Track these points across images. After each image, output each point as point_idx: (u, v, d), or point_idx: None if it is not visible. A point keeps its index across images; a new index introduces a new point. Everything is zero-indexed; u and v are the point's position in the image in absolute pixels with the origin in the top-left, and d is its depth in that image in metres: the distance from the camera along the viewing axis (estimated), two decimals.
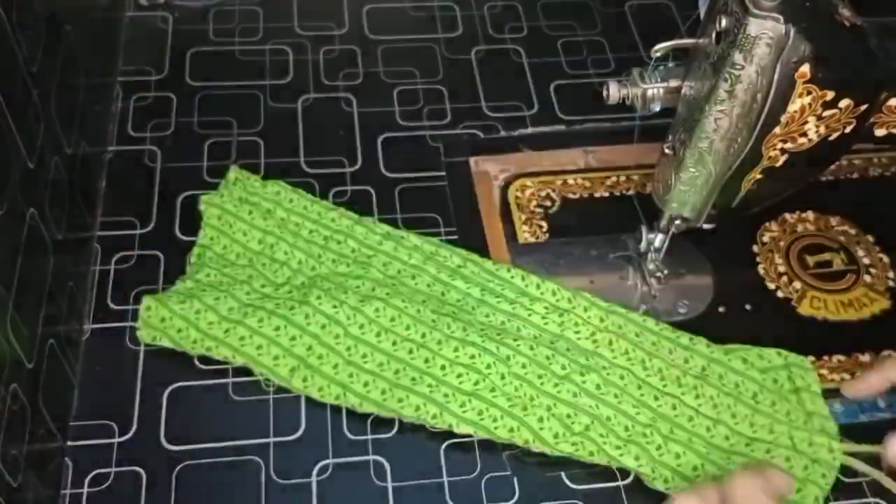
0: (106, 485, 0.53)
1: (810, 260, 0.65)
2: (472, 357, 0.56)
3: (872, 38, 0.50)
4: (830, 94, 0.48)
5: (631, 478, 0.55)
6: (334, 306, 0.57)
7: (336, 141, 0.71)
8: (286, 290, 0.60)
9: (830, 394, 0.58)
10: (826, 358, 0.60)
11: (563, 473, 0.55)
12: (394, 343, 0.57)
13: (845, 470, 0.55)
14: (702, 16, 0.53)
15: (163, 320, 0.57)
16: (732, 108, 0.49)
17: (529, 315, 0.59)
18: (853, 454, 0.54)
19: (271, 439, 0.55)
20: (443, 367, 0.56)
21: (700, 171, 0.54)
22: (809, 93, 0.48)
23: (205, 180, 0.67)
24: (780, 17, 0.45)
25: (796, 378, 0.57)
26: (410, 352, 0.57)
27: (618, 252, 0.64)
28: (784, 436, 0.55)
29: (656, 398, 0.56)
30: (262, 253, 0.62)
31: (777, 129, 0.49)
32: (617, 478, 0.55)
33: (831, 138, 0.51)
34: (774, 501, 0.46)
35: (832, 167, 0.70)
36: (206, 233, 0.62)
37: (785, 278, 0.64)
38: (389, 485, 0.54)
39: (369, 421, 0.56)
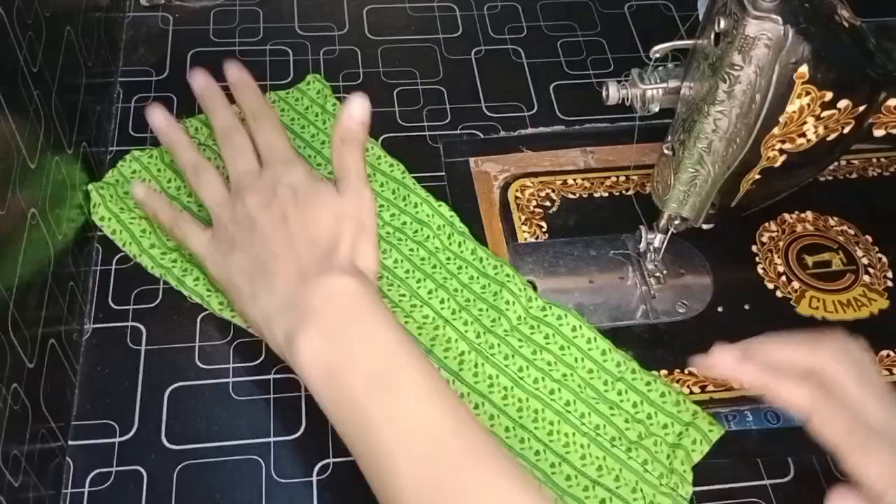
0: (107, 484, 0.53)
1: (809, 260, 0.65)
2: None
3: (871, 39, 0.50)
4: (829, 95, 0.48)
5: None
6: None
7: None
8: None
9: None
10: None
11: None
12: None
13: None
14: (701, 17, 0.53)
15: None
16: (731, 108, 0.49)
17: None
18: None
19: (271, 439, 0.55)
20: None
21: (699, 172, 0.54)
22: (808, 93, 0.48)
23: None
24: (779, 18, 0.45)
25: (686, 436, 0.55)
26: None
27: (617, 250, 0.64)
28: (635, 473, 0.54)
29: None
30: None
31: (776, 130, 0.49)
32: None
33: (830, 139, 0.51)
34: None
35: (831, 167, 0.70)
36: (114, 174, 0.65)
37: (784, 278, 0.64)
38: None
39: None
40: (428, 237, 0.63)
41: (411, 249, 0.63)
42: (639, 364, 0.58)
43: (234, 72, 0.62)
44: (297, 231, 0.53)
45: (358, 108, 0.54)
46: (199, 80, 0.61)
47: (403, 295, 0.60)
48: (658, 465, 0.54)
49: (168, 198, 0.63)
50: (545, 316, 0.60)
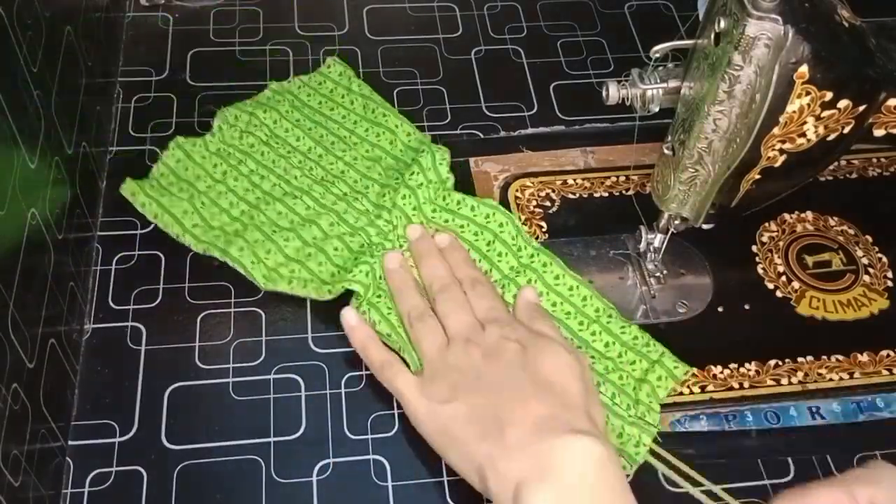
0: (107, 484, 0.53)
1: (809, 260, 0.65)
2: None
3: (871, 39, 0.50)
4: (829, 95, 0.48)
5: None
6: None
7: None
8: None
9: (828, 392, 0.59)
10: (825, 357, 0.60)
11: None
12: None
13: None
14: (701, 17, 0.53)
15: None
16: (731, 108, 0.49)
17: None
18: (660, 459, 0.54)
19: (271, 439, 0.55)
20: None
21: (699, 171, 0.54)
22: (808, 93, 0.48)
23: None
24: (779, 18, 0.45)
25: (652, 372, 0.57)
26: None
27: (617, 250, 0.64)
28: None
29: None
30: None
31: (776, 130, 0.49)
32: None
33: (830, 139, 0.51)
34: None
35: (831, 167, 0.70)
36: (160, 168, 0.67)
37: (784, 278, 0.64)
38: (389, 484, 0.54)
39: (369, 421, 0.56)
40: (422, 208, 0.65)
41: (412, 206, 0.64)
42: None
43: (445, 238, 0.62)
44: (530, 381, 0.52)
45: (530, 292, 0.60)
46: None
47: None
48: (625, 398, 0.56)
49: (214, 191, 0.65)
50: (532, 263, 0.62)
